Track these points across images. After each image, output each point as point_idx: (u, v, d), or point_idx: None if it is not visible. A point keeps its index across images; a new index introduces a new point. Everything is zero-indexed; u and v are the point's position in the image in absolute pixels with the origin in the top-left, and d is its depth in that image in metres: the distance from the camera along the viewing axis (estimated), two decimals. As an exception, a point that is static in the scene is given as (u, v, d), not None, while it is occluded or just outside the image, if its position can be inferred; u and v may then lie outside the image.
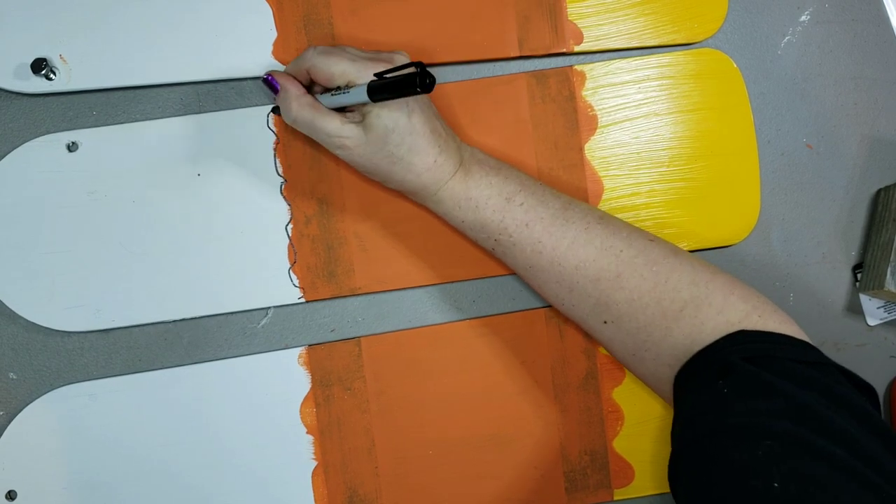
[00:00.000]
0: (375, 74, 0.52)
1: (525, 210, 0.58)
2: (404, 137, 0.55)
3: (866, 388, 0.52)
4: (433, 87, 0.47)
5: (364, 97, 0.52)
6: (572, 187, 0.67)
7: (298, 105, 0.57)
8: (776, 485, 0.43)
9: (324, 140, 0.58)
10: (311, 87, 0.60)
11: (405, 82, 0.48)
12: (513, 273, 0.67)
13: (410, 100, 0.55)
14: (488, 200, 0.58)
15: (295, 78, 0.59)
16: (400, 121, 0.55)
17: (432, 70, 0.67)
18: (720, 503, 0.45)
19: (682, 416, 0.54)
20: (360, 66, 0.55)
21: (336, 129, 0.56)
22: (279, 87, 0.59)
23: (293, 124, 0.58)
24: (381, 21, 0.66)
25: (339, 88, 0.55)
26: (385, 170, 0.58)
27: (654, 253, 0.57)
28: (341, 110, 0.58)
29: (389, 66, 0.54)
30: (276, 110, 0.64)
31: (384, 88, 0.50)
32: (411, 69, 0.49)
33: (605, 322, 0.59)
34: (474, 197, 0.59)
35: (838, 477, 0.43)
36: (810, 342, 0.54)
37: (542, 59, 0.68)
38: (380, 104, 0.54)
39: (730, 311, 0.54)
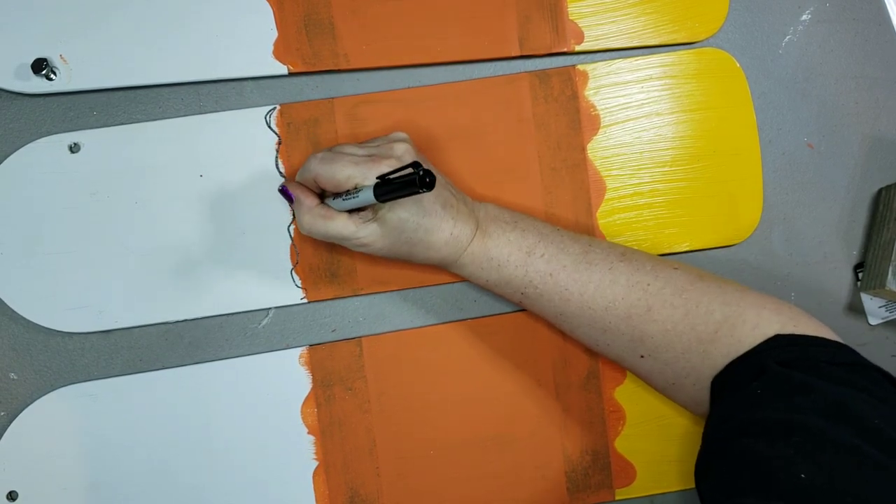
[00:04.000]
0: (378, 177, 0.52)
1: (547, 261, 0.59)
2: (419, 221, 0.56)
3: None
4: (434, 184, 0.48)
5: (372, 199, 0.52)
6: (575, 187, 0.67)
7: (311, 217, 0.57)
8: (803, 476, 0.43)
9: (342, 243, 0.58)
10: (323, 191, 0.60)
11: (408, 183, 0.48)
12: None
13: None
14: (509, 257, 0.59)
15: (307, 187, 0.60)
16: (411, 208, 0.55)
17: (433, 70, 0.67)
18: (745, 494, 0.45)
19: (714, 415, 0.55)
20: (364, 168, 0.54)
21: (352, 233, 0.56)
22: (293, 198, 0.59)
23: (308, 234, 0.59)
24: (382, 21, 0.66)
25: (348, 192, 0.55)
26: (406, 253, 0.58)
27: (681, 280, 0.57)
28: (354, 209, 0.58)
29: (391, 161, 0.55)
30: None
31: (389, 191, 0.50)
32: (410, 170, 0.49)
33: (643, 356, 0.59)
34: (495, 257, 0.59)
35: (866, 471, 0.43)
36: (846, 344, 0.54)
37: (543, 59, 0.68)
38: None
39: (765, 325, 0.54)
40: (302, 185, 0.60)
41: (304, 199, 0.58)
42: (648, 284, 0.57)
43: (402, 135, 0.60)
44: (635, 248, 0.63)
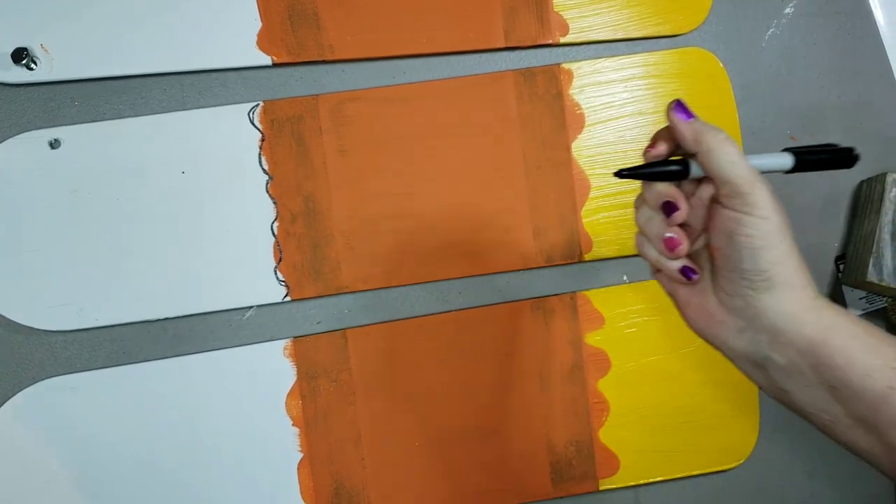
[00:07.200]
0: (790, 149, 0.45)
1: None
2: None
3: None
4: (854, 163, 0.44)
5: (786, 166, 0.44)
6: (559, 186, 0.67)
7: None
8: None
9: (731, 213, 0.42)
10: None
11: (833, 159, 0.43)
12: (500, 270, 0.67)
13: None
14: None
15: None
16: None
17: (419, 61, 0.67)
18: None
19: None
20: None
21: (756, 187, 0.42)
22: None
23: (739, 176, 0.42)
24: (367, 12, 0.65)
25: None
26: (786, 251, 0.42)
27: None
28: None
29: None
30: (620, 174, 0.45)
31: (812, 161, 0.44)
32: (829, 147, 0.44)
33: None
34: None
35: None
36: None
37: (528, 51, 0.68)
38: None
39: None
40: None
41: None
42: None
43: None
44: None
